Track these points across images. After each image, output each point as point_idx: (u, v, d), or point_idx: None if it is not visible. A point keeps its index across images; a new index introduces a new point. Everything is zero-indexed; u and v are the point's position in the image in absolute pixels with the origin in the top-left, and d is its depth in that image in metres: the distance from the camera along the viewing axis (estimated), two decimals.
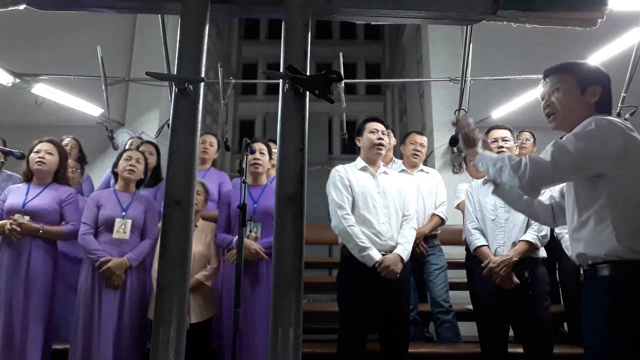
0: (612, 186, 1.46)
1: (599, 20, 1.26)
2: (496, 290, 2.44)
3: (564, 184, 1.68)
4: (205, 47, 1.16)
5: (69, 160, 3.20)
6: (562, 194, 1.74)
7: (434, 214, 3.30)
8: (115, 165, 2.92)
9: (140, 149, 3.21)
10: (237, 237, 2.26)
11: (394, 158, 3.68)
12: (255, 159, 2.76)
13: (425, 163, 3.62)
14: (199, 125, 1.13)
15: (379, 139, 2.58)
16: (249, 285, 2.59)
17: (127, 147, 3.64)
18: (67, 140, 3.76)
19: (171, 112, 1.13)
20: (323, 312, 3.70)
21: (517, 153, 2.97)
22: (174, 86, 1.13)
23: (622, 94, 3.41)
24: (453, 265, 3.61)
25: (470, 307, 2.86)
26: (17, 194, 2.79)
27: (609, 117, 1.54)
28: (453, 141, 4.92)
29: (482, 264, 2.48)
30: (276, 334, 1.00)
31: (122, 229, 2.71)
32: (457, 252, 3.61)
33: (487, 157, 1.74)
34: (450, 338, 3.10)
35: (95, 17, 4.33)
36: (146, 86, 5.52)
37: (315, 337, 3.37)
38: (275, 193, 1.08)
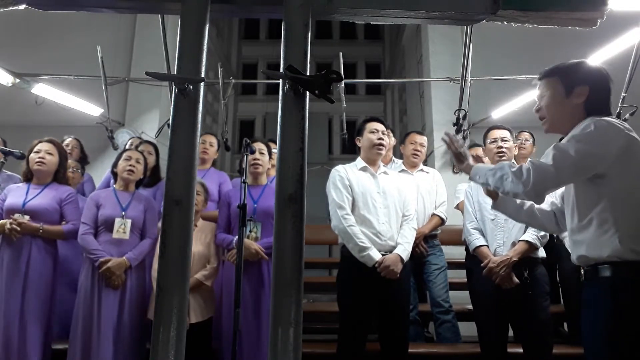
0: (613, 187, 1.46)
1: (599, 20, 1.26)
2: (496, 290, 2.44)
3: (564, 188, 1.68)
4: (205, 47, 1.16)
5: (69, 161, 3.20)
6: (563, 199, 1.74)
7: (433, 214, 3.31)
8: (115, 165, 2.92)
9: (139, 149, 3.21)
10: (237, 237, 2.26)
11: (393, 158, 3.68)
12: (255, 159, 2.76)
13: (425, 163, 3.62)
14: (199, 125, 1.13)
15: (379, 139, 2.59)
16: (248, 285, 2.59)
17: (126, 147, 3.64)
18: (68, 141, 3.75)
19: (171, 112, 1.13)
20: (323, 312, 3.70)
21: (516, 153, 2.97)
22: (174, 86, 1.13)
23: (622, 94, 3.40)
24: (453, 265, 3.60)
25: (470, 307, 2.86)
26: (17, 194, 2.79)
27: (607, 118, 1.53)
28: None
29: (482, 264, 2.48)
30: (276, 334, 1.00)
31: (122, 228, 2.71)
32: (457, 252, 3.61)
33: (483, 168, 1.73)
34: (450, 338, 3.10)
35: (95, 17, 4.32)
36: (146, 86, 5.52)
37: (315, 337, 3.37)
38: (275, 193, 1.08)
